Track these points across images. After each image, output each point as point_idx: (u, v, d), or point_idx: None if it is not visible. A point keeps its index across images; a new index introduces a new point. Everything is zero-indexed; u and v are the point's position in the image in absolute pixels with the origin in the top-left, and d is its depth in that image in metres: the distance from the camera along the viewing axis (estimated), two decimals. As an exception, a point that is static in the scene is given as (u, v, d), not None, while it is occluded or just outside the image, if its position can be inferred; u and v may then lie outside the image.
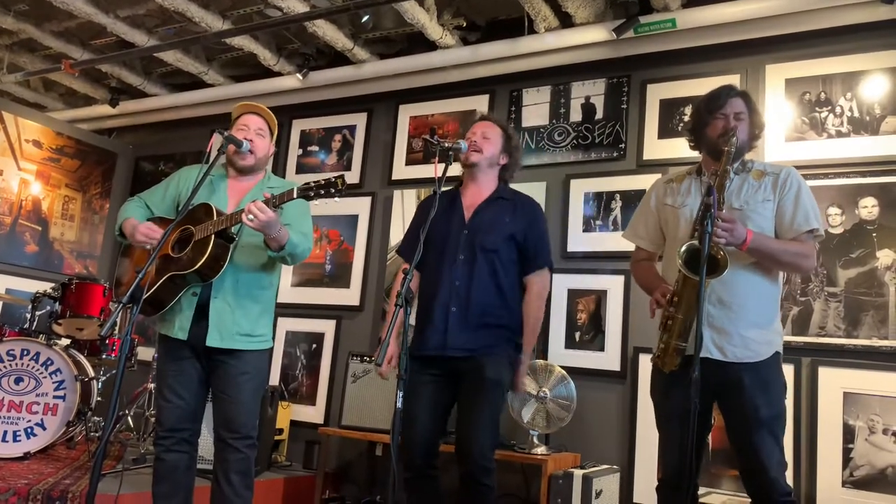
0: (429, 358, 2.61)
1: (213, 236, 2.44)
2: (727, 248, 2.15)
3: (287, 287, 4.79)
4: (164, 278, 2.49)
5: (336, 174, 2.34)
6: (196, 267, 2.43)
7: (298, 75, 4.65)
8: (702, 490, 3.13)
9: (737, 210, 2.29)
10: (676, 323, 2.20)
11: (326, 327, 4.60)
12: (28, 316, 4.21)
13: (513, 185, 2.92)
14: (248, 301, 2.58)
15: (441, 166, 2.58)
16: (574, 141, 4.05)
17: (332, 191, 2.32)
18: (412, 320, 2.28)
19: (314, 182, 2.35)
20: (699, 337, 2.03)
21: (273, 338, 2.77)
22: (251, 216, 2.31)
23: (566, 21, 3.90)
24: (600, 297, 3.78)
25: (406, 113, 4.68)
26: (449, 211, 2.75)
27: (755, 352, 2.24)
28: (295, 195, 2.37)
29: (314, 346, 4.63)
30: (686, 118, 3.70)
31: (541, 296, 2.73)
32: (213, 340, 2.51)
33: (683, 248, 2.15)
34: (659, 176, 3.67)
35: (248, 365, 2.56)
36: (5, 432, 3.61)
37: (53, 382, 3.74)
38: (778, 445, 2.20)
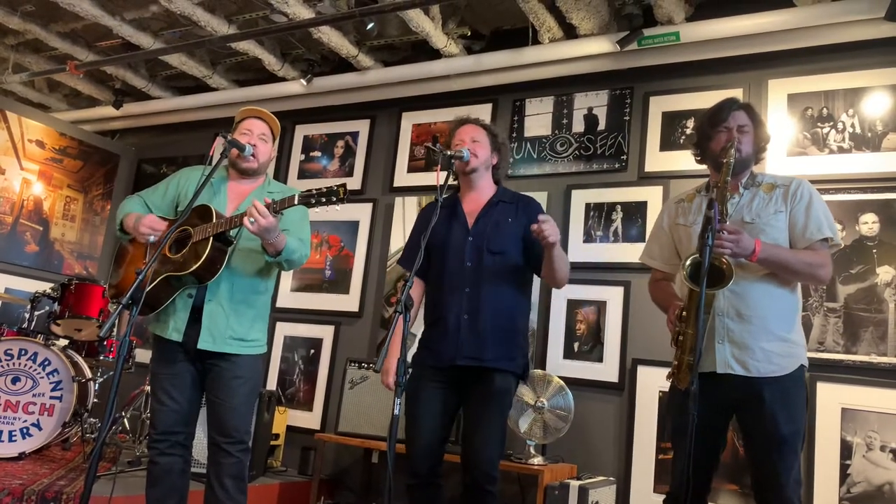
0: (439, 367, 2.59)
1: (211, 239, 2.44)
2: (738, 260, 2.14)
3: (286, 292, 4.78)
4: (159, 278, 2.48)
5: (338, 182, 2.34)
6: (192, 269, 2.42)
7: (302, 81, 4.67)
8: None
9: (749, 224, 2.26)
10: (688, 339, 2.15)
11: (325, 333, 4.59)
12: (27, 316, 4.22)
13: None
14: (242, 306, 2.58)
15: (443, 174, 2.57)
16: (576, 152, 4.06)
17: (334, 199, 2.32)
18: (412, 329, 2.26)
19: (316, 189, 2.35)
20: (698, 350, 2.02)
21: (270, 343, 2.76)
22: (252, 219, 2.31)
23: (570, 32, 3.91)
24: (600, 308, 3.77)
25: (409, 120, 4.69)
26: (450, 219, 2.73)
27: (779, 365, 2.19)
28: (296, 201, 2.37)
29: (312, 351, 4.61)
30: (688, 131, 3.71)
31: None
32: (205, 343, 2.50)
33: (688, 261, 2.13)
34: (660, 188, 3.70)
35: (241, 369, 2.55)
36: (0, 432, 3.61)
37: (50, 383, 3.73)
38: (796, 462, 2.15)
